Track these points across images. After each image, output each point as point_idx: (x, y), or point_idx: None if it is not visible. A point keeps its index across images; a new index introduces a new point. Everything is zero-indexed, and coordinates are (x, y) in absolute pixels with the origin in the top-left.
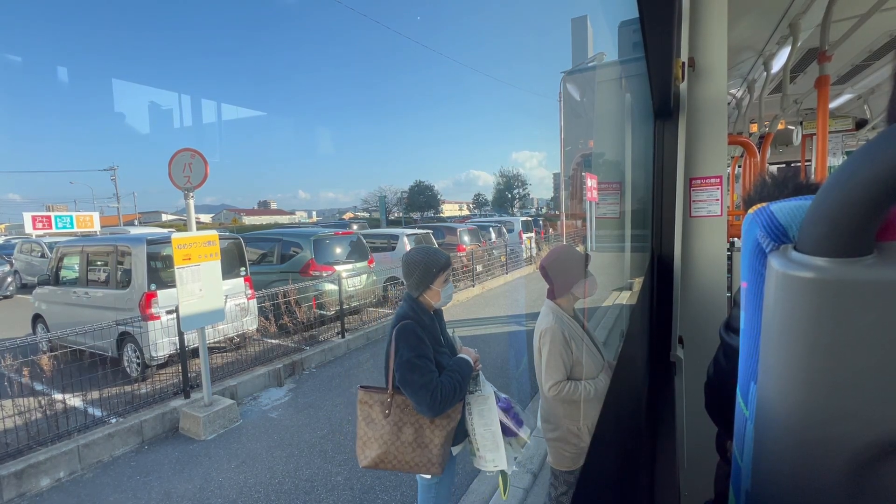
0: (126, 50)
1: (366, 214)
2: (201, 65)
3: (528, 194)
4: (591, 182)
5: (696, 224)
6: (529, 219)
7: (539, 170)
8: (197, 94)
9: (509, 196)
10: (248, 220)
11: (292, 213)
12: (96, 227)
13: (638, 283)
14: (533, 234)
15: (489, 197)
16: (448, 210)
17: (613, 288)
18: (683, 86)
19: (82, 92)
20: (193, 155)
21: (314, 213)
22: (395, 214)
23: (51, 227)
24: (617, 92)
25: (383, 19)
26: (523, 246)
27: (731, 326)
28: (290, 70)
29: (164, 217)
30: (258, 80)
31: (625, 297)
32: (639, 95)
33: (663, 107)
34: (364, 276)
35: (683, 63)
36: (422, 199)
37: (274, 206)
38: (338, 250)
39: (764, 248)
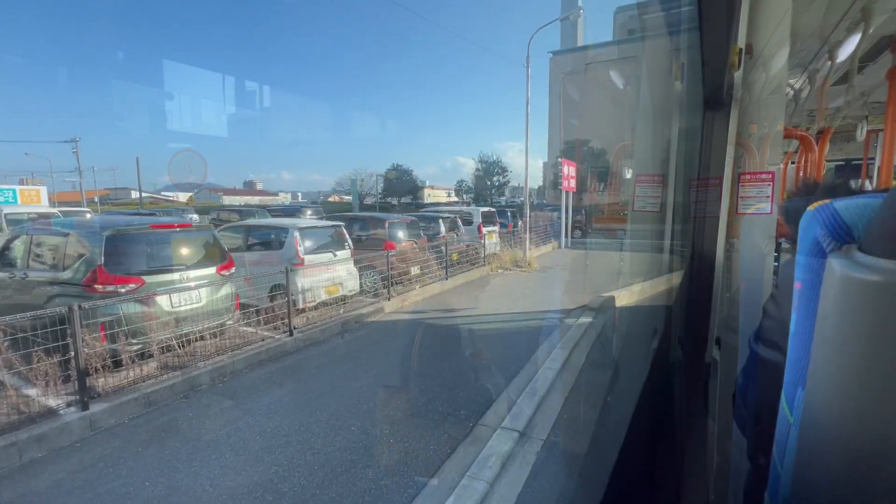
0: (105, 19)
1: (348, 198)
2: (187, 35)
3: (508, 182)
4: (567, 170)
5: (743, 222)
6: (492, 210)
7: (523, 158)
8: (184, 67)
9: (489, 183)
10: (227, 200)
11: (275, 194)
12: (44, 203)
13: (674, 280)
14: (496, 228)
15: (472, 184)
16: (436, 196)
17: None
18: (738, 74)
19: (50, 60)
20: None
21: (299, 194)
22: (372, 199)
23: None
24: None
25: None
26: (483, 242)
27: (761, 337)
28: (279, 52)
29: (134, 195)
30: (246, 57)
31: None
32: (688, 83)
33: (715, 96)
34: (206, 290)
35: (740, 50)
36: (399, 184)
37: (260, 186)
38: (156, 251)
39: (824, 248)
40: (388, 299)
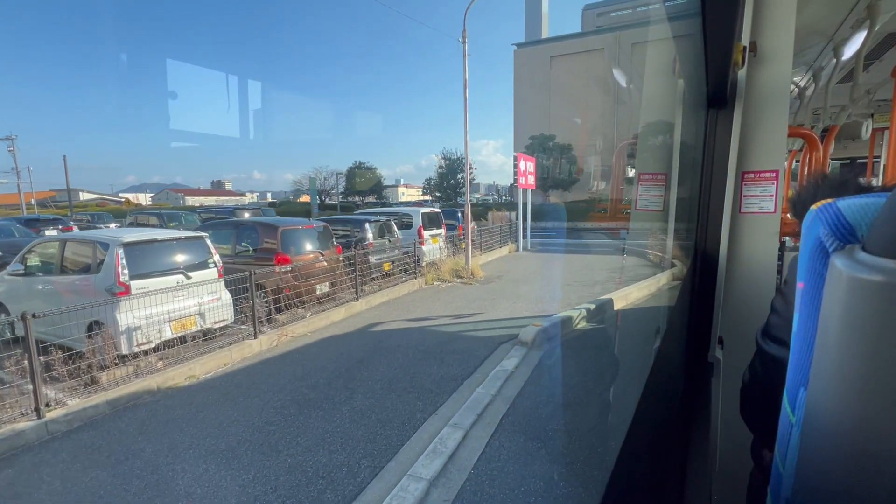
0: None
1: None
2: (157, 27)
3: (475, 179)
4: (524, 165)
5: (747, 220)
6: (437, 210)
7: (497, 156)
8: (156, 62)
9: (452, 182)
10: (191, 201)
11: (242, 194)
12: None
13: (676, 279)
14: (442, 232)
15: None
16: (410, 195)
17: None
18: (742, 72)
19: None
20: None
21: (268, 194)
22: (337, 198)
23: None
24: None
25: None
26: (424, 248)
27: (768, 334)
28: (251, 47)
29: (83, 196)
30: (211, 54)
31: (662, 294)
32: (690, 81)
33: (718, 94)
34: None
35: (744, 48)
36: (361, 182)
37: (229, 186)
38: None
39: (827, 248)
40: (256, 336)
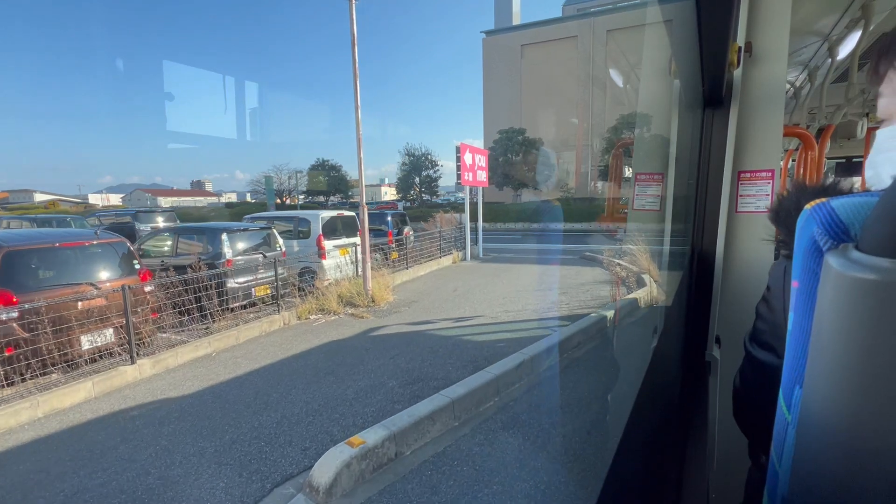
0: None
1: (305, 198)
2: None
3: (440, 176)
4: (472, 158)
5: (743, 220)
6: (351, 214)
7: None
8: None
9: (417, 180)
10: (163, 202)
11: (219, 194)
12: None
13: (674, 279)
14: (355, 240)
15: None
16: (393, 194)
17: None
18: (738, 72)
19: None
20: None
21: (247, 194)
22: (303, 198)
23: None
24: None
25: None
26: (324, 263)
27: (755, 339)
28: (233, 45)
29: (38, 197)
30: (196, 51)
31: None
32: (686, 81)
33: (714, 94)
34: None
35: (740, 48)
36: (322, 182)
37: (209, 186)
38: None
39: (821, 247)
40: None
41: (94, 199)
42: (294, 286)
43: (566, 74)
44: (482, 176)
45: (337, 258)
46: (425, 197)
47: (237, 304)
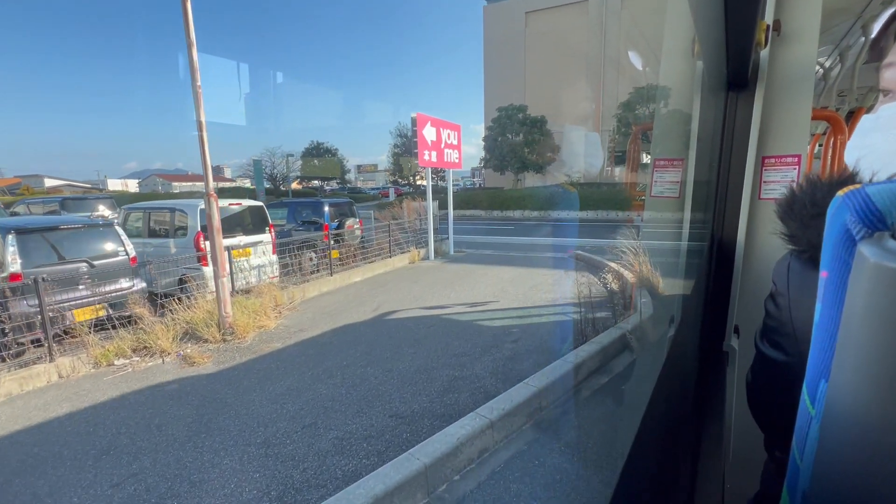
0: None
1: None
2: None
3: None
4: (433, 133)
5: (766, 207)
6: (260, 204)
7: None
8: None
9: (409, 166)
10: (178, 187)
11: (233, 180)
12: None
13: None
14: (262, 240)
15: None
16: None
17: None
18: (765, 52)
19: None
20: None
21: (237, 179)
22: (296, 184)
23: None
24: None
25: None
26: (205, 271)
27: (764, 336)
28: (266, 38)
29: (48, 182)
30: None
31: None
32: (709, 62)
33: (739, 75)
34: None
35: (768, 26)
36: (318, 167)
37: (228, 172)
38: None
39: (854, 235)
40: None
41: (114, 185)
42: (141, 308)
43: (575, 45)
44: (453, 156)
45: (242, 262)
46: (420, 183)
47: (29, 335)
